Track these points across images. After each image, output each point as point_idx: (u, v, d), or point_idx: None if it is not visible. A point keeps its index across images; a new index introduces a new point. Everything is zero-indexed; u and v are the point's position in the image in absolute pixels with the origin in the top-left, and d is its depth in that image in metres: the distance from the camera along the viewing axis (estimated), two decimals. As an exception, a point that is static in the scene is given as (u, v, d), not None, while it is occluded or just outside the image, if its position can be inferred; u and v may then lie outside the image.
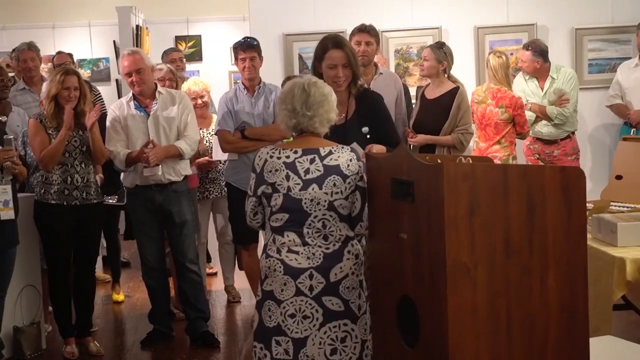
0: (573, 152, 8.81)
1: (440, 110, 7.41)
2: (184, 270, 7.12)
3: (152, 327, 7.25)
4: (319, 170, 4.54)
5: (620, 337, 5.02)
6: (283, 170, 4.58)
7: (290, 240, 4.59)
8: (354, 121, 5.52)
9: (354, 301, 4.61)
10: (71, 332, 6.98)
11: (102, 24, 13.64)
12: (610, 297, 5.22)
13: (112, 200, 7.74)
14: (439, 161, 4.49)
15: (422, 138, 7.40)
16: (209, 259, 9.30)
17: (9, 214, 6.21)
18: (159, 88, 7.09)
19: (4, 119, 7.24)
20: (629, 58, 9.38)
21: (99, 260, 8.39)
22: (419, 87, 8.24)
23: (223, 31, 14.01)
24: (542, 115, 8.77)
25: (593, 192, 7.36)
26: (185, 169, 7.08)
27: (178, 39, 13.93)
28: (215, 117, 7.87)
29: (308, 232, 4.56)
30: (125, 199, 7.73)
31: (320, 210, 4.53)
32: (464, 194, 3.91)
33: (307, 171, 4.55)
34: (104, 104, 9.14)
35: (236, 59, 7.50)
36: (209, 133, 8.00)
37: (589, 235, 4.85)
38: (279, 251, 4.58)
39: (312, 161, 4.56)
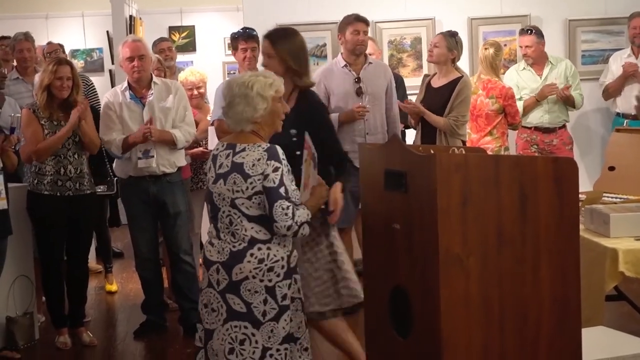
0: (569, 141, 8.83)
1: (443, 99, 7.45)
2: (177, 261, 7.12)
3: (145, 318, 7.25)
4: (228, 166, 4.51)
5: (612, 328, 5.04)
6: (209, 162, 4.67)
7: (210, 232, 4.70)
8: (289, 118, 5.45)
9: (257, 306, 4.50)
10: (64, 323, 6.97)
11: (96, 14, 13.59)
12: (603, 288, 5.23)
13: (100, 190, 7.71)
14: (432, 152, 4.49)
15: (416, 107, 7.45)
16: (202, 250, 9.29)
17: (0, 204, 6.21)
18: (155, 78, 7.08)
19: None
20: (622, 49, 9.40)
21: (92, 250, 8.37)
22: (425, 75, 8.25)
23: (217, 22, 13.98)
24: (568, 103, 8.77)
25: (586, 183, 7.38)
26: (179, 160, 7.07)
27: (172, 29, 13.89)
28: (211, 108, 7.84)
29: (220, 227, 4.58)
30: (114, 187, 7.74)
31: (225, 206, 4.52)
32: (456, 185, 3.91)
33: (220, 165, 4.56)
34: (96, 95, 9.13)
35: (234, 49, 7.48)
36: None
37: (581, 226, 4.86)
38: (207, 240, 4.72)
39: (227, 156, 4.55)
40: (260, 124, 4.55)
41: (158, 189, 6.92)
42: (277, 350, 4.52)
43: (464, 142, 7.50)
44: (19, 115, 6.77)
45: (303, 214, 4.49)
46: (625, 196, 6.18)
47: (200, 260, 8.94)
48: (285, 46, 5.38)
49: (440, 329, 3.94)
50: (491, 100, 7.97)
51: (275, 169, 4.40)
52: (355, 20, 7.42)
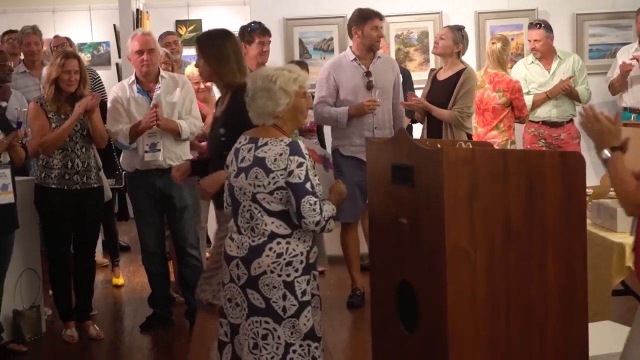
0: (577, 135, 8.80)
1: (447, 91, 7.45)
2: (184, 255, 7.12)
3: (151, 312, 7.25)
4: (250, 160, 4.49)
5: (619, 323, 5.04)
6: (232, 155, 4.64)
7: (231, 226, 4.66)
8: (219, 117, 5.46)
9: (277, 301, 4.47)
10: (71, 316, 6.98)
11: (103, 8, 13.57)
12: (610, 283, 5.23)
13: (108, 183, 7.73)
14: (439, 146, 4.49)
15: (420, 102, 7.47)
16: (208, 243, 9.30)
17: (8, 198, 6.22)
18: (162, 72, 7.08)
19: (4, 104, 7.22)
20: (630, 43, 9.37)
21: (99, 244, 8.38)
22: (431, 70, 8.25)
23: (223, 16, 13.94)
24: (573, 97, 8.74)
25: (593, 177, 7.36)
26: (185, 153, 7.06)
27: (178, 23, 13.87)
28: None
29: (240, 221, 4.55)
30: (122, 181, 7.74)
31: (246, 200, 4.50)
32: (463, 179, 3.91)
33: (242, 159, 4.54)
34: (103, 88, 9.13)
35: (248, 42, 7.47)
36: (212, 117, 7.98)
37: (588, 221, 4.85)
38: (228, 235, 4.67)
39: (249, 150, 4.53)
40: (283, 119, 4.49)
41: (164, 182, 6.91)
42: (300, 346, 4.49)
43: (469, 136, 7.50)
44: (26, 109, 6.77)
45: (329, 209, 4.46)
46: (632, 191, 6.17)
47: (207, 254, 9.00)
48: (209, 49, 5.44)
49: (447, 323, 3.94)
50: (498, 94, 7.97)
51: (300, 165, 4.37)
52: (375, 16, 7.46)
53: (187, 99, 7.03)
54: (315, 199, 4.38)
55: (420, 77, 8.94)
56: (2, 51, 7.49)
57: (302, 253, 4.49)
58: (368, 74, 7.44)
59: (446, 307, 3.95)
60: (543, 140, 8.76)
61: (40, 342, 6.92)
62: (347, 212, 7.31)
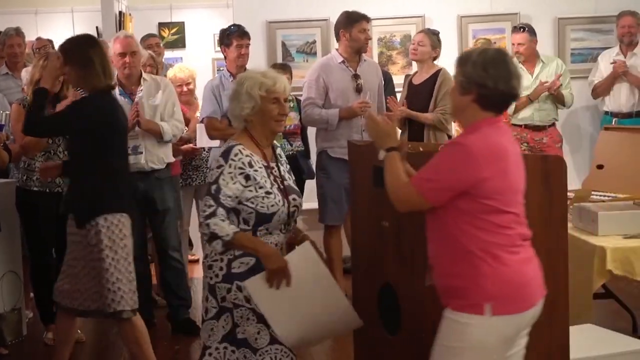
0: (559, 139, 8.82)
1: (425, 94, 7.49)
2: (166, 257, 7.11)
3: (133, 314, 7.23)
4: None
5: (600, 326, 5.06)
6: None
7: None
8: None
9: (203, 303, 4.48)
10: (52, 319, 6.94)
11: (85, 10, 13.57)
12: (591, 286, 5.25)
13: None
14: (421, 149, 4.50)
15: (404, 111, 7.49)
16: (191, 246, 9.30)
17: (-12, 201, 6.22)
18: (144, 75, 7.06)
19: None
20: (611, 47, 9.42)
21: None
22: (406, 76, 8.28)
23: (206, 18, 13.98)
24: (558, 101, 8.75)
25: (575, 181, 7.40)
26: (168, 156, 7.05)
27: (161, 25, 13.88)
28: (200, 105, 7.83)
29: None
30: None
31: None
32: (445, 182, 3.91)
33: None
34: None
35: (227, 45, 7.45)
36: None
37: (569, 224, 4.87)
38: None
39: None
40: (253, 123, 4.44)
41: (146, 185, 6.90)
42: (217, 349, 4.40)
43: (450, 137, 7.52)
44: (8, 112, 6.74)
45: (223, 228, 4.20)
46: (613, 194, 6.21)
47: (189, 256, 8.99)
48: (73, 55, 5.52)
49: (429, 326, 3.95)
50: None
51: (219, 166, 4.30)
52: (363, 19, 7.46)
53: (170, 102, 7.02)
54: (214, 204, 4.22)
55: (402, 81, 8.95)
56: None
57: (222, 259, 4.34)
58: (356, 76, 7.44)
59: (429, 310, 3.95)
60: (525, 144, 8.76)
61: (22, 345, 6.90)
62: (333, 214, 7.32)
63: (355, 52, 7.48)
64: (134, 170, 6.84)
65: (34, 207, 6.66)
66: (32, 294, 7.34)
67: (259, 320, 4.29)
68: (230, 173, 4.26)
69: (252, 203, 4.27)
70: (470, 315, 3.57)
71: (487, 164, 3.54)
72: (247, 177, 4.29)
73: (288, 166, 4.64)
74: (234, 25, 7.55)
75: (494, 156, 3.57)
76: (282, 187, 4.42)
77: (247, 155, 4.34)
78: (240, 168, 4.29)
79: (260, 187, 4.31)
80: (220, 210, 4.21)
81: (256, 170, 4.33)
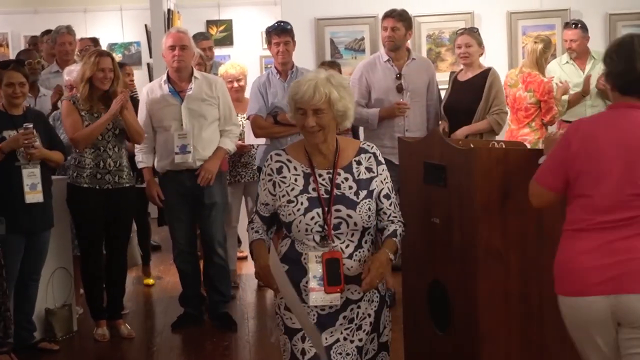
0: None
1: (472, 92, 7.41)
2: (210, 252, 7.13)
3: (182, 311, 7.26)
4: None
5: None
6: None
7: None
8: None
9: None
10: (102, 315, 7.00)
11: (134, 8, 13.64)
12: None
13: (143, 185, 7.76)
14: (472, 146, 4.47)
15: (461, 132, 7.36)
16: (239, 243, 9.31)
17: (36, 197, 6.25)
18: (195, 72, 7.07)
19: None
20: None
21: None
22: (451, 72, 8.22)
23: (254, 16, 13.99)
24: (607, 97, 8.64)
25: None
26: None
27: (209, 23, 13.92)
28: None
29: None
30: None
31: None
32: (496, 179, 3.91)
33: None
34: (134, 88, 9.15)
35: (269, 43, 7.49)
36: (244, 117, 7.97)
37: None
38: None
39: None
40: None
41: (194, 180, 6.93)
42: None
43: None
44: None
45: (249, 236, 4.26)
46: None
47: (238, 253, 9.00)
48: None
49: (479, 323, 3.94)
50: (529, 93, 7.94)
51: (260, 171, 4.28)
52: (384, 17, 7.45)
53: (226, 105, 7.04)
54: (254, 210, 4.32)
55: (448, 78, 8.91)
56: (30, 50, 7.52)
57: None
58: (400, 76, 7.40)
59: (478, 306, 3.94)
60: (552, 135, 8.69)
61: (72, 341, 6.94)
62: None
63: (388, 49, 7.44)
64: (182, 169, 6.89)
65: (85, 204, 6.71)
66: (82, 290, 7.40)
67: (285, 331, 4.19)
68: (263, 179, 4.21)
69: (279, 210, 4.15)
70: None
71: (574, 142, 3.60)
72: (274, 184, 4.14)
73: (372, 174, 4.14)
74: (277, 22, 7.56)
75: (581, 135, 3.61)
76: (324, 195, 4.07)
77: (277, 161, 4.18)
78: (269, 175, 4.18)
79: (284, 195, 4.11)
80: (256, 218, 4.24)
81: (284, 177, 4.13)
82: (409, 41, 7.89)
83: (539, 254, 3.96)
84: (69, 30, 8.65)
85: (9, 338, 6.13)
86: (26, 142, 6.14)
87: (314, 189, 4.08)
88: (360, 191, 4.07)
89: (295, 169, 4.15)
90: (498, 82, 7.45)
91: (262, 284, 8.07)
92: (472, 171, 3.91)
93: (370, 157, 4.16)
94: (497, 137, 7.47)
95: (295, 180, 4.12)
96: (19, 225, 6.25)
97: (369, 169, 4.13)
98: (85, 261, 6.88)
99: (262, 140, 7.39)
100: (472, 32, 7.63)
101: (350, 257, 4.03)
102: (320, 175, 4.11)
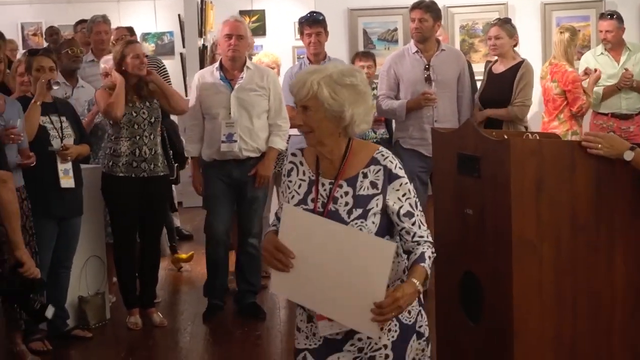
0: (647, 127, 8.66)
1: (505, 84, 7.38)
2: (244, 243, 7.16)
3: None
4: None
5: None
6: None
7: None
8: None
9: None
10: (135, 303, 7.04)
11: (167, -2, 13.72)
12: None
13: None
14: (506, 137, 4.46)
15: (483, 114, 7.41)
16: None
17: (69, 183, 6.32)
18: (248, 62, 7.10)
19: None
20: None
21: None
22: (487, 62, 8.18)
23: (287, 6, 13.99)
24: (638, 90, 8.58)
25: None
26: (262, 145, 7.06)
27: (242, 13, 13.89)
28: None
29: None
30: (174, 172, 7.78)
31: None
32: (530, 170, 3.89)
33: None
34: (168, 77, 9.17)
35: (301, 33, 7.52)
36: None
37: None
38: None
39: None
40: None
41: (241, 172, 6.94)
42: None
43: (526, 129, 7.42)
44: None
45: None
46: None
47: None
48: None
49: (512, 315, 3.92)
50: (554, 84, 7.92)
51: None
52: (411, 8, 7.43)
53: (277, 98, 7.08)
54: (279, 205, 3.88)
55: (483, 68, 8.87)
56: (74, 39, 7.56)
57: None
58: (428, 67, 7.38)
59: (511, 298, 3.93)
60: (612, 134, 8.60)
61: (105, 329, 7.00)
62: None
63: (417, 40, 7.41)
64: (228, 158, 6.90)
65: (120, 192, 6.74)
66: (115, 278, 7.44)
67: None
68: (283, 177, 3.84)
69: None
70: None
71: None
72: (285, 187, 3.78)
73: (374, 191, 3.60)
74: (309, 12, 7.56)
75: None
76: (319, 209, 3.62)
77: (291, 162, 3.79)
78: (284, 175, 3.83)
79: (287, 202, 3.73)
80: (275, 221, 3.81)
81: (291, 181, 3.75)
82: (440, 32, 7.87)
83: (572, 246, 3.94)
84: (104, 19, 8.69)
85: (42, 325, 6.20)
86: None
87: (312, 200, 3.66)
88: (354, 210, 3.57)
89: (304, 173, 3.73)
90: (528, 75, 7.41)
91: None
92: (506, 162, 3.89)
93: (379, 170, 3.65)
94: (532, 129, 7.43)
95: (299, 187, 3.72)
96: (52, 211, 6.31)
97: (373, 185, 3.61)
98: (119, 250, 6.93)
99: (294, 130, 7.40)
100: (504, 23, 7.58)
101: None
102: (322, 185, 3.67)
